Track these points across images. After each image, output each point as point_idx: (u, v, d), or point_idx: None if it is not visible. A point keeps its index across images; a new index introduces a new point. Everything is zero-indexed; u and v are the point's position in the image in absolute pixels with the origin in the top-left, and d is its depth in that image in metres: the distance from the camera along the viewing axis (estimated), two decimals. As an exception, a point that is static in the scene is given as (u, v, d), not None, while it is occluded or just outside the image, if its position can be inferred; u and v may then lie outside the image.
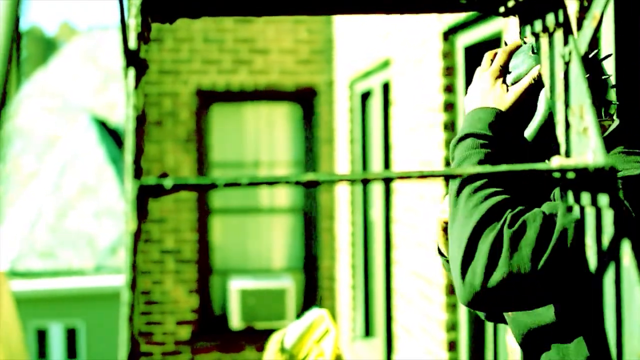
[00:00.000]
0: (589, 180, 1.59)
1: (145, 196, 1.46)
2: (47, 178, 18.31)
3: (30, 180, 18.82)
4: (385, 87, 7.19)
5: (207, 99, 9.44)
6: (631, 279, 1.49)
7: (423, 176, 1.52)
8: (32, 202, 18.01)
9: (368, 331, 8.01)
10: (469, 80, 5.19)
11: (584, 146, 1.62)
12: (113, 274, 16.35)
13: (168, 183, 1.46)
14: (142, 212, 1.47)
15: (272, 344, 3.71)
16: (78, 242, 17.33)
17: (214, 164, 9.49)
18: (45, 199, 18.01)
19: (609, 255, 1.56)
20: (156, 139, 9.17)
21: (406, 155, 6.14)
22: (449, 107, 5.35)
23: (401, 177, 1.53)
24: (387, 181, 1.58)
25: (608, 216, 1.56)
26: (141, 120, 1.55)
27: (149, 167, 9.08)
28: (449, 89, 5.36)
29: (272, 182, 1.50)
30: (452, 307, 5.33)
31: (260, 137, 9.71)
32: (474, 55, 5.14)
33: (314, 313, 3.69)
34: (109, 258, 16.88)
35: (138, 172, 1.47)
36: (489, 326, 5.07)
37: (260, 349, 8.98)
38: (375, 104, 7.47)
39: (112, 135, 19.31)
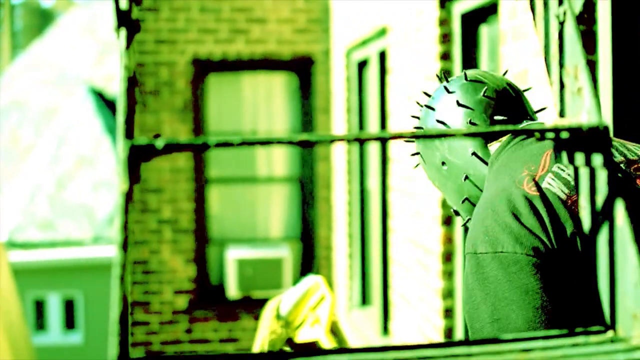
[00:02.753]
0: (583, 140, 1.59)
1: (137, 156, 1.46)
2: (45, 150, 18.29)
3: (28, 152, 18.80)
4: (382, 56, 7.17)
5: (203, 68, 9.42)
6: (625, 238, 1.49)
7: (416, 136, 1.52)
8: (30, 174, 18.00)
9: (365, 300, 8.03)
10: (465, 48, 5.18)
11: (578, 107, 1.61)
12: (111, 244, 16.36)
13: (160, 143, 1.45)
14: (134, 172, 1.46)
15: (268, 311, 3.71)
16: (76, 213, 17.33)
17: (211, 133, 9.48)
18: (43, 170, 18.00)
19: (602, 215, 1.56)
20: (153, 108, 9.15)
21: (403, 124, 6.13)
22: (446, 74, 5.34)
23: (394, 137, 1.52)
24: (381, 141, 1.57)
25: (602, 176, 1.56)
26: (132, 81, 1.54)
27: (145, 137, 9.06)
28: (446, 56, 5.34)
29: (264, 142, 1.50)
30: (449, 275, 5.33)
31: (257, 107, 9.70)
32: (471, 22, 5.12)
33: (309, 280, 3.70)
34: (107, 229, 16.89)
35: (130, 133, 1.47)
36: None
37: (258, 318, 9.01)
38: (372, 73, 7.45)
39: (110, 107, 19.26)
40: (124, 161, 1.45)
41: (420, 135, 1.54)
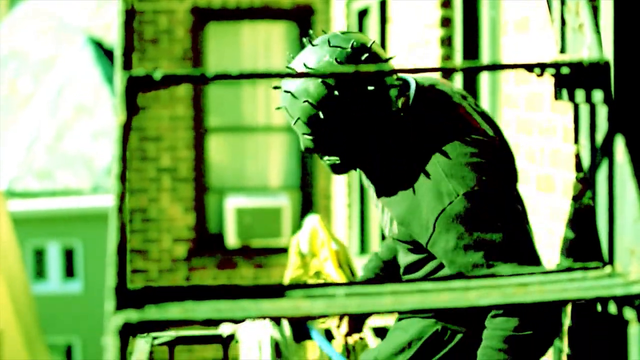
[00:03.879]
0: (583, 76, 1.58)
1: (134, 88, 1.45)
2: (44, 100, 18.25)
3: (27, 102, 18.75)
4: (382, 5, 7.12)
5: (203, 17, 9.36)
6: (624, 175, 1.49)
7: (416, 70, 1.51)
8: (29, 124, 17.97)
9: (363, 248, 8.05)
10: (466, -5, 5.14)
11: (579, 43, 1.60)
12: (110, 194, 16.36)
13: (157, 75, 1.45)
14: (131, 104, 1.46)
15: (292, 252, 3.82)
16: (75, 163, 17.34)
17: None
18: (42, 120, 17.97)
19: (602, 152, 1.56)
20: (152, 57, 9.11)
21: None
22: (446, 22, 5.31)
23: (395, 72, 1.51)
24: (381, 75, 1.57)
25: (602, 112, 1.55)
26: (130, 14, 1.53)
27: (144, 86, 9.01)
28: (446, 4, 5.30)
29: (262, 76, 1.49)
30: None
31: (257, 56, 9.66)
32: (472, -31, 5.07)
33: (311, 220, 3.80)
34: (106, 178, 16.90)
35: (127, 64, 1.46)
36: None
37: (256, 266, 9.05)
38: (372, 22, 7.40)
39: (108, 57, 19.18)
40: (122, 92, 1.44)
41: (419, 70, 1.53)
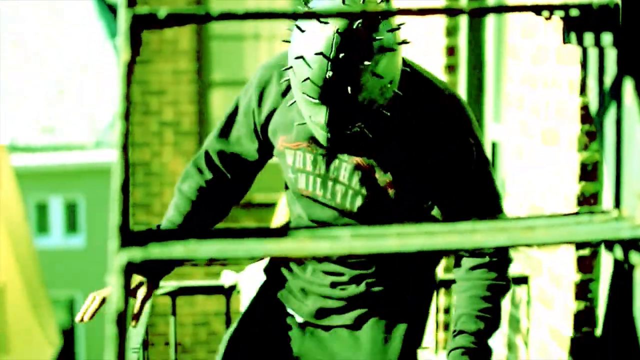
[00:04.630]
0: (592, 18, 1.56)
1: (138, 26, 1.43)
2: (47, 54, 18.19)
3: (30, 57, 18.69)
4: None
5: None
6: (632, 117, 1.47)
7: (423, 11, 1.49)
8: (32, 79, 17.92)
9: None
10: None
11: (589, -15, 1.58)
12: (113, 148, 16.36)
13: (162, 13, 1.43)
14: (135, 42, 1.44)
15: (281, 205, 3.82)
16: (78, 118, 17.31)
17: (214, 36, 9.39)
18: (45, 74, 17.92)
19: (610, 96, 1.54)
20: (156, 2, 9.05)
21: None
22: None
23: (401, 13, 1.49)
24: (386, 15, 1.55)
25: (611, 55, 1.53)
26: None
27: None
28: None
29: (268, 15, 1.47)
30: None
31: (260, 7, 9.59)
32: None
33: None
34: (109, 133, 16.88)
35: (132, 2, 1.44)
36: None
37: (258, 220, 9.04)
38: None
39: (112, 11, 19.10)
40: (126, 30, 1.42)
41: (425, 11, 1.51)
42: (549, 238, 1.37)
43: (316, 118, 2.22)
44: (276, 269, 2.67)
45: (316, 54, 2.16)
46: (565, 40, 1.67)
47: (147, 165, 9.16)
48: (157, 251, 1.31)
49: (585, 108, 3.34)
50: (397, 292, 2.53)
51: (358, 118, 2.22)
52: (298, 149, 2.44)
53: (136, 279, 2.56)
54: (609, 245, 1.45)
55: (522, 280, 3.87)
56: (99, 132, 17.05)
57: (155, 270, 2.57)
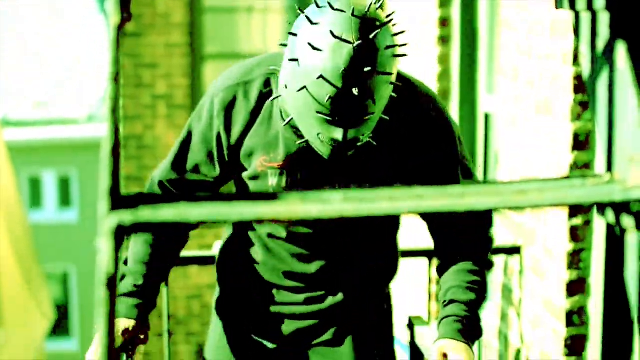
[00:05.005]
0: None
1: (128, -12, 1.42)
2: (38, 26, 18.12)
3: (24, 28, 18.61)
4: None
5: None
6: (625, 80, 1.47)
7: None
8: (25, 52, 17.86)
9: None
10: None
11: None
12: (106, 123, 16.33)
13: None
14: (125, 5, 1.43)
15: None
16: (70, 92, 17.26)
17: (206, 8, 9.35)
18: (37, 48, 17.85)
19: (603, 60, 1.53)
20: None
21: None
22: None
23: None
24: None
25: (604, 19, 1.52)
26: None
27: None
28: None
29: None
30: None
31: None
32: None
33: None
34: (101, 108, 16.84)
35: (121, -35, 1.42)
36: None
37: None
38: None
39: None
40: (115, -7, 1.41)
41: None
42: (541, 201, 1.36)
43: (329, 135, 2.14)
44: (229, 307, 2.60)
45: (341, 72, 2.08)
46: (558, 5, 1.66)
47: (140, 139, 9.14)
48: (147, 214, 1.30)
49: (578, 78, 3.34)
50: (362, 304, 2.53)
51: (370, 130, 2.19)
52: (283, 168, 2.36)
53: (122, 324, 2.43)
54: (601, 208, 1.45)
55: (515, 250, 3.88)
56: (91, 106, 17.00)
57: (140, 310, 2.46)
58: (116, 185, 1.32)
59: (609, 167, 1.50)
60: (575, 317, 3.47)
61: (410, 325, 2.63)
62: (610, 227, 1.51)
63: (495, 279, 4.26)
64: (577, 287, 3.46)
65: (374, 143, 2.27)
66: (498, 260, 4.22)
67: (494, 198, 1.38)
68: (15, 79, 17.34)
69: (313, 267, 2.47)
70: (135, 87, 9.04)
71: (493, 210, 1.54)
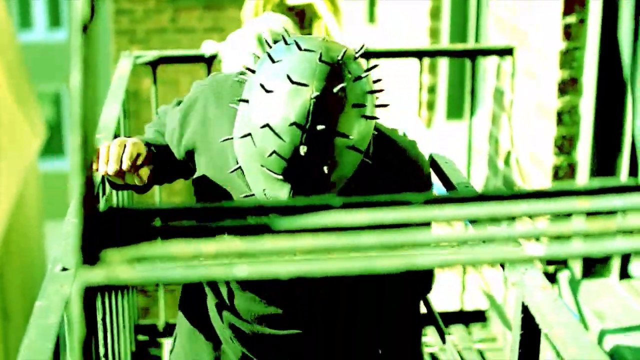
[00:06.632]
0: None
1: None
2: None
3: None
4: None
5: None
6: None
7: None
8: None
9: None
10: None
11: None
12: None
13: None
14: None
15: None
16: None
17: None
18: None
19: None
20: None
21: None
22: None
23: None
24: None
25: None
26: None
27: None
28: None
29: None
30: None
31: None
32: None
33: None
34: None
35: None
36: None
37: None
38: None
39: None
40: None
41: None
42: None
43: (274, 193, 1.84)
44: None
45: (289, 125, 1.77)
46: None
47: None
48: (123, 272, 1.17)
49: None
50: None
51: (323, 193, 1.86)
52: None
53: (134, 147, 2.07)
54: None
55: (507, 51, 3.83)
56: None
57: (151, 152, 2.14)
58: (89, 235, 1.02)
59: None
60: (566, 117, 3.45)
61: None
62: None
63: (487, 82, 4.23)
64: (569, 87, 3.43)
65: None
66: (490, 62, 4.18)
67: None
68: None
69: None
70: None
71: None
